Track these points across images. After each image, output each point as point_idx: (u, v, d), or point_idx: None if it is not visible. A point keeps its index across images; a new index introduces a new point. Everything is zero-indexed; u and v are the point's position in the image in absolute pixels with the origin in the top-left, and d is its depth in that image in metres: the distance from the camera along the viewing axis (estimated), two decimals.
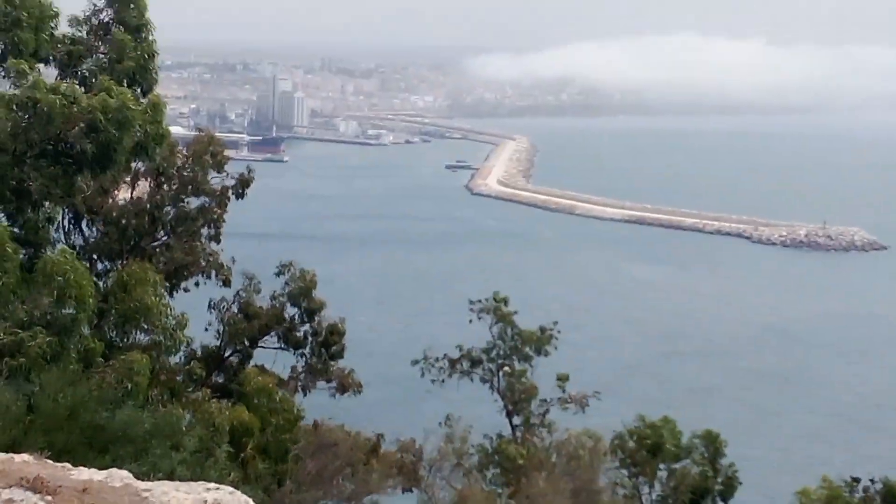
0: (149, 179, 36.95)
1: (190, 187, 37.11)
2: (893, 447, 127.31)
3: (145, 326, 27.83)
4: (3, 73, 27.05)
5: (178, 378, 32.28)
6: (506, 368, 44.74)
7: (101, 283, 29.31)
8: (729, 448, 42.27)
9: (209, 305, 38.30)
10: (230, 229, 38.55)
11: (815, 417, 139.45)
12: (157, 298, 27.98)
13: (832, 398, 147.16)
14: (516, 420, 44.31)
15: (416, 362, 45.77)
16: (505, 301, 45.33)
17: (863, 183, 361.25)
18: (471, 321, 45.24)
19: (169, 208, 36.83)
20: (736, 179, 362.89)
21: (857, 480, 40.58)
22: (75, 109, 25.40)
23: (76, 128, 25.36)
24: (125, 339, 28.16)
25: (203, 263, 37.18)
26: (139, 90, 28.17)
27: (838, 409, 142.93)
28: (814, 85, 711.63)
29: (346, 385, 39.88)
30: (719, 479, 42.09)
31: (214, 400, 31.18)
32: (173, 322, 28.19)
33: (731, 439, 42.96)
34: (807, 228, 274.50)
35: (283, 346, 39.45)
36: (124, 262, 32.18)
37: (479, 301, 45.38)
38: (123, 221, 35.59)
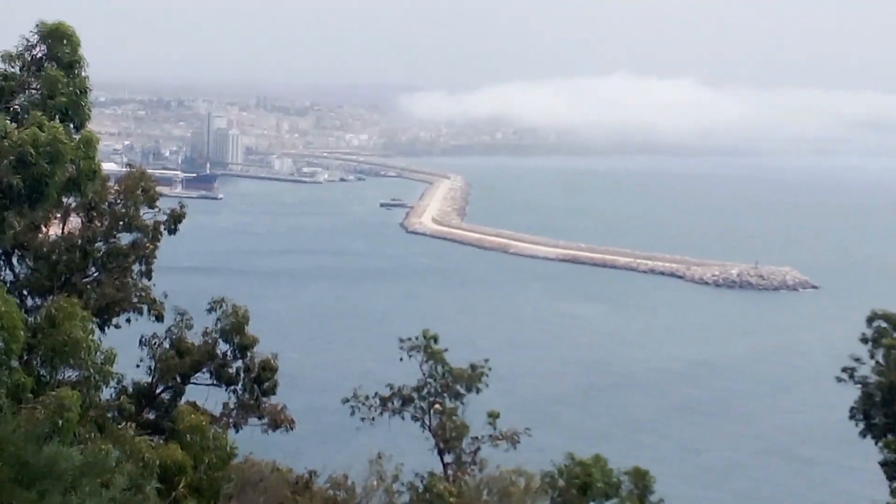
0: (80, 215, 36.77)
1: (122, 223, 36.97)
2: (817, 481, 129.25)
3: (73, 362, 27.62)
4: None
5: (108, 414, 32.05)
6: (437, 406, 44.69)
7: (30, 319, 29.12)
8: (657, 484, 42.46)
9: (141, 341, 38.03)
10: (162, 264, 38.45)
11: (740, 453, 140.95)
12: (86, 334, 27.80)
13: (757, 433, 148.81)
14: (448, 458, 44.23)
15: (346, 401, 45.62)
16: (434, 338, 45.28)
17: (793, 223, 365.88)
18: (401, 359, 45.18)
19: (100, 244, 36.65)
20: (669, 219, 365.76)
21: None
22: (5, 144, 25.27)
23: (5, 162, 25.23)
24: (54, 375, 27.96)
25: (134, 299, 37.02)
26: (72, 126, 28.06)
27: (763, 443, 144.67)
28: (742, 127, 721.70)
29: (278, 421, 39.70)
30: None
31: (145, 436, 30.99)
32: (102, 357, 28.01)
33: (660, 475, 43.13)
34: (739, 268, 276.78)
35: (215, 382, 39.22)
36: (54, 297, 31.99)
37: (409, 339, 45.32)
38: (54, 257, 35.40)
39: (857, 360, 43.87)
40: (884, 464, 42.59)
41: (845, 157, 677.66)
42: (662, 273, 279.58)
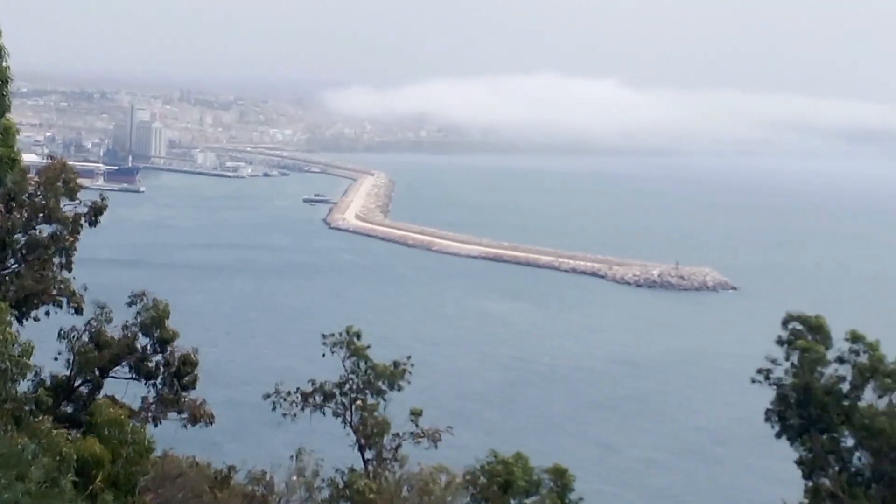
0: None
1: (41, 214, 36.61)
2: (731, 480, 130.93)
3: None
4: None
5: (25, 407, 31.69)
6: (358, 402, 44.61)
7: None
8: (577, 482, 42.64)
9: (59, 334, 37.64)
10: (83, 256, 38.07)
11: (656, 451, 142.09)
12: (3, 325, 27.45)
13: (673, 432, 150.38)
14: (368, 454, 44.18)
15: (267, 396, 45.41)
16: (358, 335, 45.18)
17: (714, 225, 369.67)
18: (324, 355, 45.04)
19: (19, 235, 36.27)
20: (592, 219, 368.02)
21: None
22: None
23: None
24: None
25: (54, 291, 36.66)
26: None
27: (679, 442, 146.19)
28: (666, 127, 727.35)
29: (197, 416, 39.45)
30: None
31: (62, 430, 30.67)
32: (19, 349, 27.68)
33: (578, 472, 43.33)
34: (660, 268, 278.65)
35: (134, 376, 38.92)
36: None
37: (332, 335, 45.20)
38: None
39: (773, 361, 44.21)
40: (800, 462, 42.98)
41: (767, 159, 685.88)
42: (584, 272, 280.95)
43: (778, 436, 43.97)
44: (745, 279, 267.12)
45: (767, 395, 44.23)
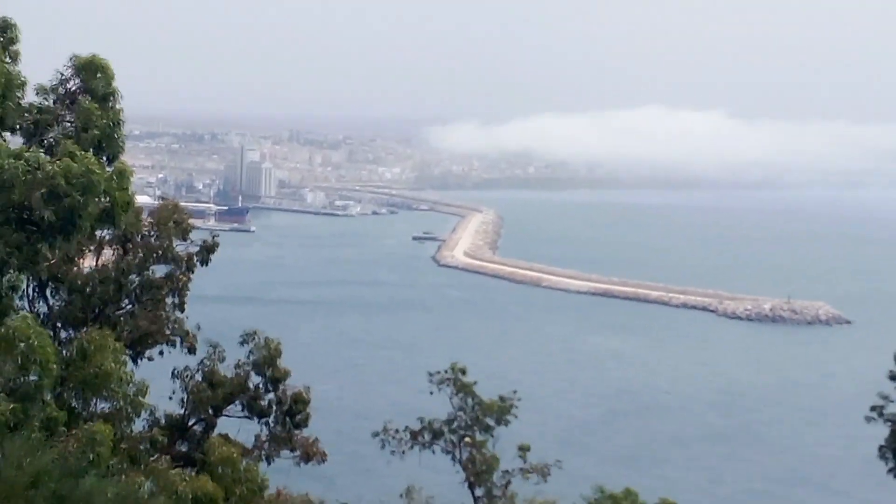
0: (114, 247, 36.95)
1: (155, 255, 37.12)
2: None
3: (105, 394, 27.75)
4: None
5: (140, 446, 32.15)
6: (467, 439, 44.63)
7: (63, 351, 29.26)
8: None
9: (173, 373, 38.11)
10: (194, 294, 38.57)
11: (765, 483, 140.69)
12: (118, 365, 27.92)
13: (783, 464, 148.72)
14: (478, 492, 44.16)
15: (376, 434, 45.60)
16: (463, 371, 45.24)
17: (824, 256, 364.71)
18: (431, 392, 45.15)
19: (134, 276, 36.80)
20: (701, 253, 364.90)
21: None
22: (38, 175, 25.38)
23: (37, 194, 25.33)
24: (86, 407, 28.10)
25: (167, 331, 37.13)
26: (105, 158, 28.19)
27: (788, 474, 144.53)
28: (771, 159, 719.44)
29: (310, 454, 39.67)
30: None
31: (177, 468, 31.08)
32: (134, 389, 28.15)
33: None
34: (771, 302, 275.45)
35: (247, 414, 39.26)
36: (87, 329, 32.13)
37: (438, 372, 45.28)
38: (88, 289, 35.55)
39: (885, 397, 43.34)
40: None
41: (873, 190, 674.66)
42: (695, 307, 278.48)
43: (891, 472, 43.19)
44: (859, 313, 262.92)
45: (881, 431, 43.51)
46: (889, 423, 43.17)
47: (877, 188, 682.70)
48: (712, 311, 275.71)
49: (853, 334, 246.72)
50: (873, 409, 43.65)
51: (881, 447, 43.43)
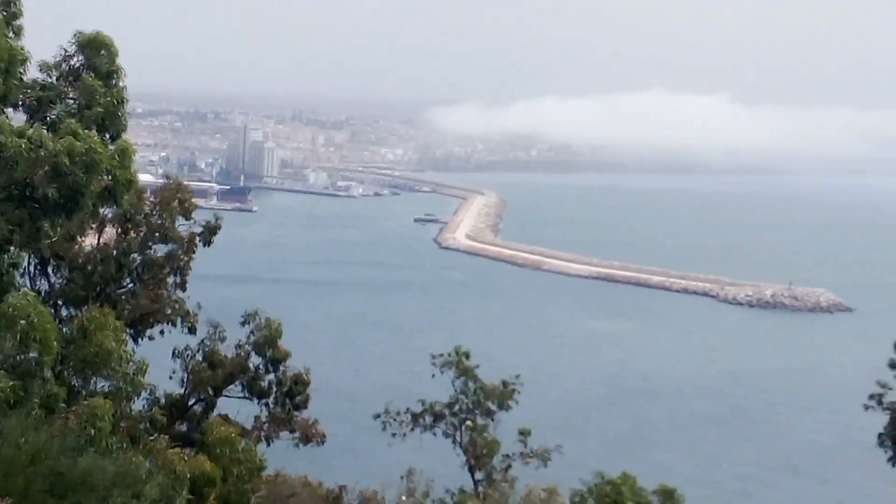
0: (116, 226, 36.85)
1: (157, 234, 37.03)
2: (840, 499, 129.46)
3: (105, 372, 27.67)
4: None
5: (139, 425, 32.09)
6: (468, 423, 44.61)
7: (64, 329, 29.18)
8: (686, 502, 42.21)
9: (174, 353, 38.08)
10: (196, 273, 38.49)
11: (761, 467, 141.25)
12: (118, 344, 27.83)
13: (780, 450, 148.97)
14: (478, 475, 44.16)
15: (377, 416, 45.58)
16: (466, 355, 45.21)
17: (826, 243, 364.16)
18: (434, 375, 45.11)
19: (136, 255, 36.72)
20: (702, 239, 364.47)
21: None
22: (41, 153, 25.28)
23: (41, 172, 25.24)
24: (86, 385, 28.02)
25: (169, 311, 37.06)
26: (108, 136, 28.07)
27: (785, 461, 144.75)
28: (775, 145, 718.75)
29: (309, 435, 39.67)
30: None
31: (176, 448, 31.02)
32: (134, 368, 28.05)
33: (685, 489, 42.91)
34: (773, 289, 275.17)
35: (247, 395, 39.24)
36: (88, 308, 32.04)
37: (441, 355, 45.24)
38: (89, 267, 35.47)
39: (884, 385, 43.26)
40: None
41: (877, 177, 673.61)
42: (695, 292, 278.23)
43: (890, 461, 43.12)
44: (860, 300, 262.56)
45: (880, 418, 43.43)
46: (888, 412, 43.14)
47: (881, 175, 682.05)
48: (713, 296, 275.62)
49: (854, 322, 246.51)
50: (871, 397, 43.62)
51: (880, 435, 43.41)
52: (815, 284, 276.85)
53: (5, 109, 27.75)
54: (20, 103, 28.88)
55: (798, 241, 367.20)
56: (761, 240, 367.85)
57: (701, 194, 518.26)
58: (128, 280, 36.78)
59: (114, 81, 29.09)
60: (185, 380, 38.02)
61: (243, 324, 39.01)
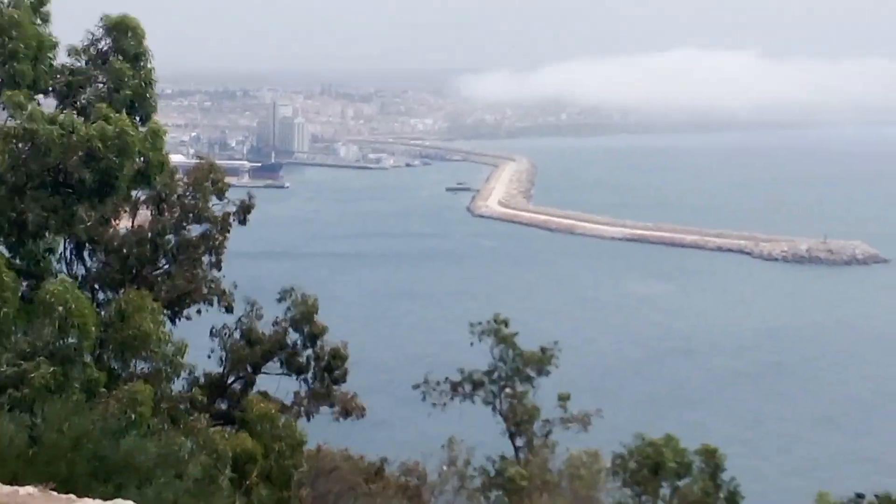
0: (150, 207, 36.99)
1: (191, 214, 37.13)
2: (880, 452, 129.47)
3: (144, 354, 27.85)
4: (1, 106, 27.05)
5: (180, 406, 32.26)
6: (507, 390, 44.74)
7: (102, 313, 29.37)
8: (728, 461, 42.28)
9: (211, 332, 38.25)
10: (231, 251, 38.64)
11: (801, 425, 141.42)
12: (156, 326, 28.00)
13: (818, 404, 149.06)
14: (519, 442, 44.31)
15: (416, 386, 45.76)
16: (505, 323, 45.32)
17: (859, 195, 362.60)
18: (472, 343, 45.24)
19: (170, 236, 36.84)
20: (735, 196, 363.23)
21: (861, 496, 40.57)
22: (73, 139, 25.44)
23: (75, 157, 25.42)
24: (125, 368, 28.22)
25: (205, 290, 37.19)
26: (138, 118, 28.22)
27: (824, 413, 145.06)
28: (805, 98, 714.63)
29: (349, 409, 39.81)
30: (721, 495, 42.04)
31: (217, 427, 31.19)
32: (173, 349, 28.22)
33: (726, 448, 42.96)
34: (808, 243, 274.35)
35: (285, 371, 39.37)
36: (125, 290, 32.24)
37: (480, 323, 45.35)
38: (125, 250, 35.62)
39: None
40: None
41: None
42: (730, 250, 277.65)
43: None
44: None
45: None
46: None
47: None
48: (748, 253, 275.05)
49: (891, 273, 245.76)
50: None
51: None
52: (850, 237, 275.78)
53: (35, 96, 27.92)
54: (50, 89, 29.09)
55: (831, 194, 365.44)
56: (795, 194, 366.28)
57: (732, 151, 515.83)
58: (163, 261, 36.91)
59: (142, 63, 29.26)
60: (223, 358, 38.16)
61: (279, 300, 39.14)
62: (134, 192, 32.27)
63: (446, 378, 45.62)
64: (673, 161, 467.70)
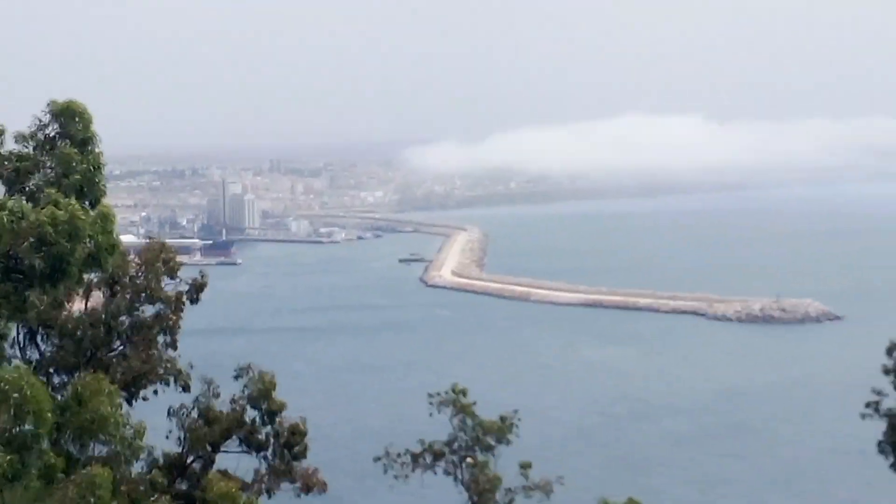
0: (102, 290, 36.89)
1: (144, 295, 37.07)
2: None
3: (103, 438, 27.65)
4: None
5: (140, 488, 32.03)
6: (468, 460, 44.57)
7: (58, 397, 29.17)
8: None
9: (169, 412, 38.05)
10: (185, 328, 38.51)
11: (765, 482, 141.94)
12: (113, 409, 27.83)
13: (780, 461, 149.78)
14: None
15: (377, 459, 45.53)
16: (464, 392, 45.21)
17: (809, 254, 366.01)
18: (431, 414, 45.09)
19: (124, 318, 36.75)
20: (687, 258, 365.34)
21: None
22: (24, 225, 25.35)
23: (25, 243, 25.31)
24: (84, 452, 27.99)
25: (161, 371, 37.06)
26: (88, 202, 28.13)
27: (786, 471, 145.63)
28: (751, 160, 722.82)
29: (310, 485, 39.59)
30: None
31: None
32: (131, 431, 28.04)
33: None
34: (761, 302, 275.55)
35: (245, 449, 39.18)
36: (81, 374, 32.05)
37: (438, 394, 45.25)
38: (79, 333, 35.49)
39: (879, 393, 43.24)
40: None
41: (853, 185, 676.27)
42: (685, 312, 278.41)
43: (892, 467, 43.08)
44: (848, 308, 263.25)
45: (878, 425, 43.41)
46: (886, 418, 43.10)
47: (857, 183, 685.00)
48: (702, 314, 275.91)
49: (844, 330, 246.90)
50: (868, 405, 43.58)
51: (880, 442, 43.38)
52: (803, 295, 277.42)
53: None
54: None
55: (781, 253, 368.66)
56: (745, 254, 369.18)
57: (683, 214, 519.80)
58: (118, 343, 36.80)
59: (89, 148, 29.17)
60: (182, 438, 37.97)
61: (236, 377, 39.00)
62: (86, 276, 32.12)
63: (406, 450, 45.41)
64: (624, 225, 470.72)
